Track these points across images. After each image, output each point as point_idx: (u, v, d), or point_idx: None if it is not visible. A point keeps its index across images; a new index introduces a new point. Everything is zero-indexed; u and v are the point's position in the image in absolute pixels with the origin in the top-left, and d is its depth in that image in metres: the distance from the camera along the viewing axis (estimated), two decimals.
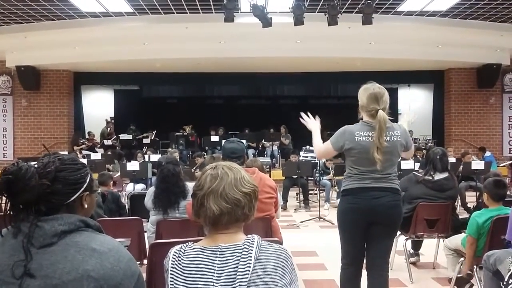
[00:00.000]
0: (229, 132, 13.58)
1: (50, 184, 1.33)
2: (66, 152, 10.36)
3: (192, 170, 8.59)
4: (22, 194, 1.30)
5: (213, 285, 1.39)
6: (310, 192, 10.02)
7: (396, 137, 2.99)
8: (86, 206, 1.43)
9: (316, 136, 3.28)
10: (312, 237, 6.67)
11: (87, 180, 1.43)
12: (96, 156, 10.87)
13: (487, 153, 11.29)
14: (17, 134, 13.95)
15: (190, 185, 4.07)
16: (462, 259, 3.82)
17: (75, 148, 12.65)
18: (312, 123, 3.32)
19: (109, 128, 14.59)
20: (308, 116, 3.34)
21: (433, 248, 4.98)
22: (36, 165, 1.36)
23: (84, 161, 7.75)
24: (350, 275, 3.12)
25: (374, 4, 8.98)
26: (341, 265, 3.16)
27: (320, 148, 3.21)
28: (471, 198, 8.41)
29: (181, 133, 13.89)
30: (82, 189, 1.41)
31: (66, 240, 1.30)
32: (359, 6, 9.46)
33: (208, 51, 11.99)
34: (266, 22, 9.22)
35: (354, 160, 3.02)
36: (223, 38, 11.53)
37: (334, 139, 3.08)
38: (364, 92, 3.03)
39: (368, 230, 3.03)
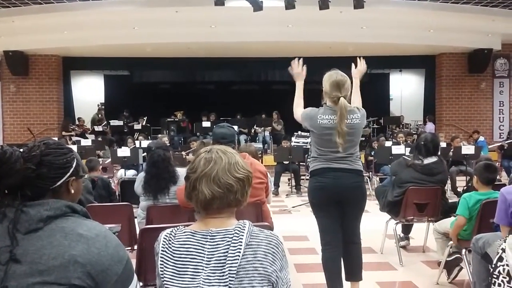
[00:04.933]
0: (221, 118, 13.52)
1: (35, 168, 1.31)
2: (56, 139, 10.26)
3: (184, 155, 8.53)
4: (6, 178, 1.28)
5: (203, 269, 1.39)
6: (302, 177, 10.03)
7: (357, 119, 3.21)
8: (72, 191, 1.41)
9: (299, 90, 3.46)
10: (304, 222, 6.68)
11: (73, 165, 1.41)
12: (87, 142, 10.78)
13: (481, 138, 11.31)
14: (6, 120, 13.80)
15: (180, 171, 4.05)
16: (451, 242, 3.85)
17: (64, 133, 12.54)
18: (299, 74, 3.46)
19: (99, 114, 14.47)
20: (298, 63, 3.47)
21: (423, 232, 5.02)
22: (21, 150, 1.34)
23: (74, 147, 7.71)
24: (330, 255, 3.27)
25: None
26: (321, 247, 3.32)
27: (296, 112, 3.40)
28: (461, 182, 8.49)
29: (172, 119, 13.81)
30: (68, 174, 1.38)
31: (52, 226, 1.28)
32: None
33: (198, 35, 11.87)
34: (257, 6, 9.14)
35: (317, 141, 3.25)
36: (213, 22, 11.42)
37: (303, 115, 3.30)
38: (328, 79, 3.21)
39: (338, 210, 3.23)
